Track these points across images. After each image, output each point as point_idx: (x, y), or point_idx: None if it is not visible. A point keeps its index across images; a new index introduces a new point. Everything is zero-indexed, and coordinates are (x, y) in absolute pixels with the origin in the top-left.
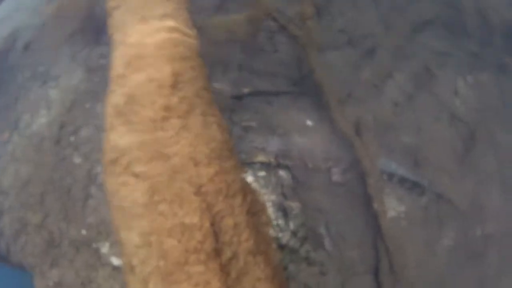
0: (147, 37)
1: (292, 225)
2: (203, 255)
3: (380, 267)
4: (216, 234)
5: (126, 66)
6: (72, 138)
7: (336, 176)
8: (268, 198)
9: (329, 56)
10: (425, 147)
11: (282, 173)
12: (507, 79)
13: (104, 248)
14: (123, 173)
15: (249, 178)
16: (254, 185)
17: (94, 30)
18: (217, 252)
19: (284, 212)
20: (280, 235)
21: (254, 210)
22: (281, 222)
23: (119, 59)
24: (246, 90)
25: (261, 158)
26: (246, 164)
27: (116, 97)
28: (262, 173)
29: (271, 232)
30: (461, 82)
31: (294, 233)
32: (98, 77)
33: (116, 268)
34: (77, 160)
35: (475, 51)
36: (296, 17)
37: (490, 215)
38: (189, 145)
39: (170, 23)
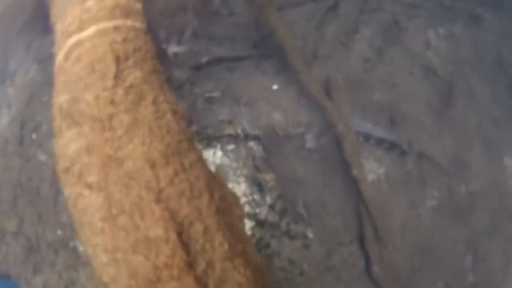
0: (86, 22)
1: (269, 199)
2: (176, 270)
3: (364, 235)
4: (186, 244)
5: (67, 58)
6: (34, 136)
7: (309, 143)
8: (240, 173)
9: (290, 14)
10: (401, 103)
11: (252, 144)
12: (480, 30)
13: (81, 246)
14: (77, 183)
15: (218, 153)
16: (224, 160)
17: (45, 18)
18: (190, 265)
19: (259, 185)
20: (257, 210)
21: (225, 206)
22: (257, 196)
23: (60, 52)
24: (204, 59)
25: (228, 131)
26: (214, 139)
27: (60, 96)
28: (231, 146)
29: (247, 209)
30: (432, 34)
31: (272, 207)
32: (52, 66)
33: None
34: (42, 157)
35: (445, 3)
36: None
37: (473, 172)
38: (142, 144)
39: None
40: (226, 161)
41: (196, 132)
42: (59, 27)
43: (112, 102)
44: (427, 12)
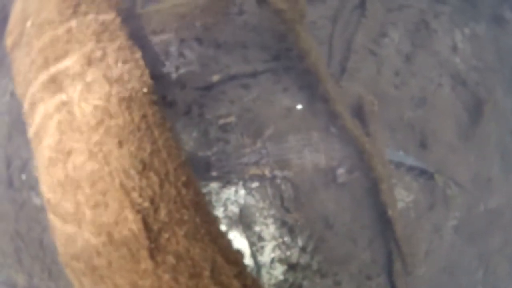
0: (53, 119)
1: (300, 241)
2: None
3: (393, 269)
4: None
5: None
6: (23, 176)
7: (341, 178)
8: (268, 214)
9: (310, 12)
10: (430, 121)
11: (279, 182)
12: (503, 32)
13: None
14: None
15: (241, 191)
16: (248, 199)
17: None
18: None
19: (289, 227)
20: (288, 253)
21: None
22: (287, 239)
23: (40, 167)
24: (215, 77)
25: (254, 172)
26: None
27: (69, 258)
28: (255, 184)
29: None
30: (458, 35)
31: (303, 249)
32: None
33: None
34: (37, 201)
35: None
36: None
37: (492, 189)
38: None
39: (93, 73)
40: (251, 200)
41: (217, 177)
42: (26, 111)
43: None
44: (452, 8)
